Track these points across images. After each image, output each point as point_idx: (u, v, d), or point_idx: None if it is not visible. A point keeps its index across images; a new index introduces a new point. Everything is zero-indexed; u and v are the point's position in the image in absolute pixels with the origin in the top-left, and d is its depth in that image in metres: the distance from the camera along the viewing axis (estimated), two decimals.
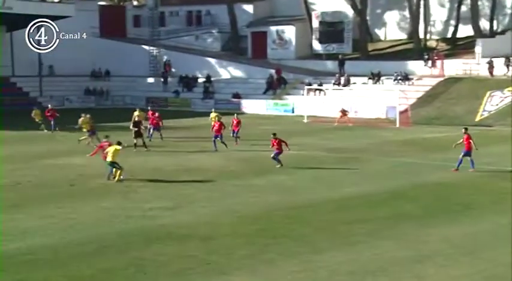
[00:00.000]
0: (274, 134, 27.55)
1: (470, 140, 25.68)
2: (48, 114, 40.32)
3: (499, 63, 49.90)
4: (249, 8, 68.19)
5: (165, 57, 67.32)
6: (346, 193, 22.16)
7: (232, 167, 27.67)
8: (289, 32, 63.88)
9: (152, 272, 14.00)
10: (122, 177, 23.99)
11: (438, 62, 53.04)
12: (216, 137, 32.45)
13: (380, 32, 64.16)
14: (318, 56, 62.09)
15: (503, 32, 56.08)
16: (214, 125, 33.42)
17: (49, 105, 40.63)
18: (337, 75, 55.70)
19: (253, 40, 65.85)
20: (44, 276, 13.78)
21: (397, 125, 44.00)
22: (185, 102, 60.10)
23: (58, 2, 61.66)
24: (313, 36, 62.02)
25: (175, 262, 14.58)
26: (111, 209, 19.71)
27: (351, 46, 60.31)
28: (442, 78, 51.23)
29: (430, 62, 53.47)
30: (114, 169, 23.99)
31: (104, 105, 60.80)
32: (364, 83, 54.58)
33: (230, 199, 21.22)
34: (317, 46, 61.90)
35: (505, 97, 45.53)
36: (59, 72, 66.17)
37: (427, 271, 14.02)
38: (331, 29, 60.66)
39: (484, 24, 57.66)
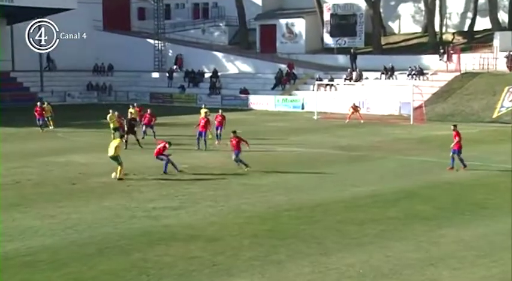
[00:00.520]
0: (235, 132, 26.58)
1: (458, 138, 25.66)
2: (37, 112, 39.75)
3: None
4: (257, 0, 68.18)
5: (170, 51, 67.47)
6: (357, 192, 22.15)
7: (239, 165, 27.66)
8: (299, 25, 63.84)
9: (156, 274, 14.05)
10: (114, 174, 24.15)
11: (454, 56, 52.82)
12: (200, 134, 31.76)
13: (394, 25, 64.02)
14: (329, 50, 62.05)
15: None
16: (200, 122, 32.57)
17: (38, 103, 40.31)
18: (348, 70, 55.67)
19: (262, 33, 65.87)
20: (44, 278, 13.85)
21: (411, 122, 43.93)
22: (191, 98, 60.23)
23: None
24: (324, 30, 61.97)
25: (179, 264, 14.63)
26: (113, 208, 19.78)
27: (363, 40, 60.23)
28: (458, 73, 51.05)
29: (445, 56, 53.28)
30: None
31: (107, 101, 61.03)
32: (376, 78, 54.51)
33: (237, 198, 21.25)
34: (328, 40, 61.85)
35: None
36: (60, 66, 66.43)
37: (441, 273, 14.02)
38: (343, 22, 60.60)
39: (503, 16, 57.45)
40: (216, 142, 33.34)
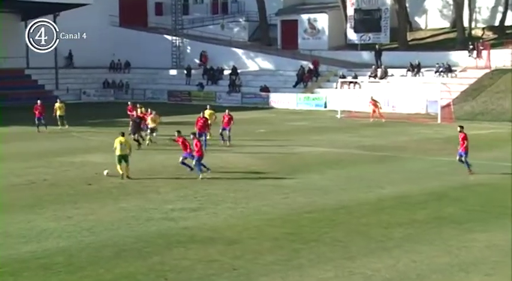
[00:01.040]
0: (194, 134, 26.03)
1: (466, 141, 25.31)
2: (36, 111, 39.19)
3: None
4: None
5: (189, 48, 67.61)
6: (382, 194, 22.07)
7: (260, 165, 27.69)
8: (322, 20, 63.69)
9: (174, 278, 14.09)
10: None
11: (484, 53, 52.49)
12: (199, 135, 30.67)
13: (420, 20, 63.63)
14: (352, 46, 61.83)
15: None
16: (198, 122, 31.98)
17: (38, 101, 40.06)
18: (373, 67, 55.45)
19: (283, 29, 65.79)
20: None
21: (439, 121, 43.69)
22: (210, 96, 60.26)
23: None
24: (348, 25, 61.76)
25: (198, 267, 14.65)
26: (130, 210, 19.86)
27: (388, 35, 59.92)
28: (488, 70, 50.71)
29: (475, 53, 52.92)
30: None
31: (124, 99, 61.14)
32: (402, 76, 54.23)
33: (258, 199, 21.26)
34: (352, 35, 61.63)
35: None
36: (76, 63, 66.85)
37: (472, 279, 13.93)
38: (367, 17, 60.32)
39: None
40: (222, 143, 33.03)
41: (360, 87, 53.82)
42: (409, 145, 33.72)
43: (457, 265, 14.76)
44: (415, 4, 63.02)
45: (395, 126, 41.50)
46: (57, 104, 40.62)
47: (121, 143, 24.48)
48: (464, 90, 49.24)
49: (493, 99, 46.90)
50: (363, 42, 60.77)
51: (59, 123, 39.99)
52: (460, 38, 57.32)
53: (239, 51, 65.37)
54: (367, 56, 59.34)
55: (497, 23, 58.77)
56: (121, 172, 24.40)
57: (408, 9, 61.81)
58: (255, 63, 64.62)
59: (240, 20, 70.02)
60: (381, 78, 54.19)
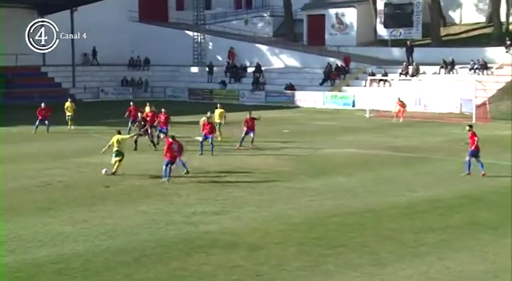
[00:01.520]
0: (173, 137, 25.39)
1: (476, 138, 25.21)
2: (40, 114, 38.69)
3: None
4: None
5: (211, 44, 67.79)
6: (413, 197, 21.98)
7: (285, 167, 27.70)
8: (350, 15, 63.59)
9: None
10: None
11: None
12: (206, 137, 30.67)
13: (454, 15, 63.30)
14: (382, 43, 61.71)
15: None
16: (205, 125, 31.10)
17: (42, 104, 39.92)
18: (404, 64, 55.26)
19: (310, 24, 65.79)
20: None
21: (473, 121, 43.31)
22: (232, 94, 60.46)
23: None
24: (378, 20, 61.63)
25: (220, 274, 14.68)
26: (150, 213, 19.93)
27: (420, 31, 59.73)
28: None
29: None
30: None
31: (143, 97, 61.50)
32: (435, 73, 54.00)
33: (282, 203, 21.25)
34: (382, 31, 61.49)
35: None
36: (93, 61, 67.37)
37: None
38: (398, 12, 60.21)
39: None
40: (251, 146, 32.09)
41: (390, 86, 53.67)
42: (441, 145, 33.55)
43: (493, 272, 14.67)
44: None
45: (427, 127, 41.31)
46: (67, 103, 40.83)
47: (118, 141, 25.44)
48: (500, 88, 48.94)
49: None
50: (393, 38, 60.60)
51: (68, 123, 40.21)
52: (496, 33, 56.92)
53: (263, 48, 65.47)
54: (397, 52, 59.13)
55: None
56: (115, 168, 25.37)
57: (442, 3, 61.51)
58: (279, 60, 64.66)
59: (265, 14, 70.11)
60: (412, 75, 53.99)
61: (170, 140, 24.82)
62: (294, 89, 57.89)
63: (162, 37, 68.28)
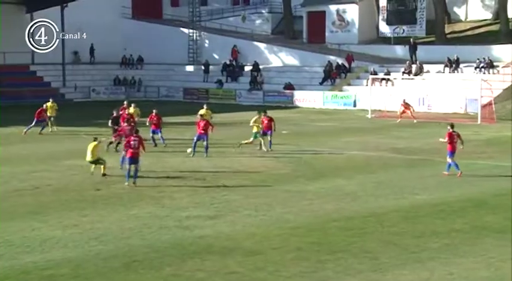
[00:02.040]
0: (137, 131, 25.53)
1: (452, 139, 25.47)
2: (40, 115, 38.78)
3: None
4: None
5: (207, 42, 67.72)
6: (416, 200, 22.03)
7: (283, 169, 27.75)
8: (352, 11, 63.62)
9: None
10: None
11: None
12: (199, 138, 30.56)
13: (460, 11, 63.37)
14: (385, 40, 61.75)
15: None
16: (198, 124, 30.85)
17: (44, 105, 39.81)
18: (407, 62, 55.32)
19: (310, 21, 65.82)
20: None
21: (479, 122, 43.50)
22: (229, 94, 60.53)
23: None
24: (380, 17, 61.69)
25: (216, 280, 14.69)
26: (142, 217, 19.96)
27: (424, 28, 59.72)
28: None
29: None
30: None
31: (136, 97, 61.48)
32: (439, 72, 54.10)
33: (280, 206, 21.28)
34: (384, 28, 61.53)
35: None
36: (84, 59, 67.27)
37: None
38: (401, 8, 60.24)
39: None
40: (268, 150, 31.82)
41: (392, 85, 53.74)
42: (445, 147, 33.48)
43: (498, 278, 14.71)
44: None
45: (431, 127, 41.31)
46: (48, 104, 40.27)
47: (91, 148, 25.73)
48: (507, 87, 49.05)
49: None
50: (396, 35, 60.62)
51: (49, 124, 39.78)
52: (503, 30, 56.98)
53: (261, 46, 65.47)
54: (400, 50, 59.21)
55: None
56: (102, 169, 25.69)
57: (446, 0, 61.56)
58: (278, 58, 64.69)
59: (263, 11, 70.16)
60: (416, 74, 54.06)
61: (132, 137, 24.90)
62: (293, 89, 57.94)
63: (156, 34, 68.28)
